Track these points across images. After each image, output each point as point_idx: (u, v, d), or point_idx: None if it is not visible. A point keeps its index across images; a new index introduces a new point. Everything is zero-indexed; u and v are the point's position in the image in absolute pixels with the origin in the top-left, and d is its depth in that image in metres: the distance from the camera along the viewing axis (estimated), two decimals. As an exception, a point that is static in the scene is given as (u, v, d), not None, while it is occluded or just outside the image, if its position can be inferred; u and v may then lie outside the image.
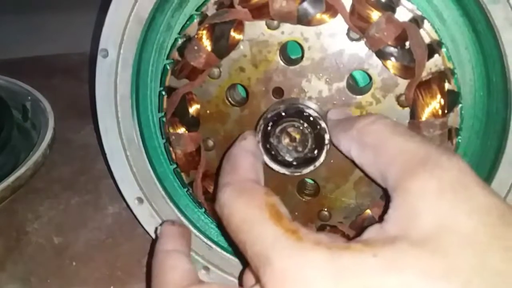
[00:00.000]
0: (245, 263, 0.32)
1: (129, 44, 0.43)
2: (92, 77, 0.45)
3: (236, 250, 0.35)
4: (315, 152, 0.38)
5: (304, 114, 0.37)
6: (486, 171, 0.40)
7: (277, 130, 0.38)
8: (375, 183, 0.32)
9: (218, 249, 0.49)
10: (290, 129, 0.38)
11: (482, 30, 0.38)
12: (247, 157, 0.36)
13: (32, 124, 0.74)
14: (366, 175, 0.33)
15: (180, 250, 0.39)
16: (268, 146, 0.38)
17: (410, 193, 0.28)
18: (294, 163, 0.38)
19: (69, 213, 0.60)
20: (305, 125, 0.37)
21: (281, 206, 0.31)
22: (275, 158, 0.39)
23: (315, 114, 0.37)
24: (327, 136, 0.37)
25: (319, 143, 0.37)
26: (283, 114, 0.37)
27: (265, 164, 0.40)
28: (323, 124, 0.37)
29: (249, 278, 0.35)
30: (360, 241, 0.28)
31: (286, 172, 0.39)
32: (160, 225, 0.43)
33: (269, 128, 0.38)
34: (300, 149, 0.38)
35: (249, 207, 0.31)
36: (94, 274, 0.52)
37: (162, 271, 0.36)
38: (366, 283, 0.25)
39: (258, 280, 0.29)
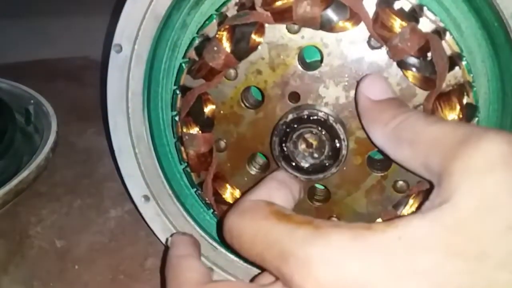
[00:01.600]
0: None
1: (144, 40, 0.43)
2: (104, 73, 0.44)
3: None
4: (331, 159, 0.38)
5: (324, 121, 0.37)
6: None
7: (295, 135, 0.37)
8: (420, 177, 0.31)
9: (223, 250, 0.48)
10: (307, 135, 0.37)
11: (501, 44, 0.38)
12: (265, 182, 0.36)
13: (35, 127, 0.74)
14: (406, 169, 0.32)
15: (193, 255, 0.40)
16: (284, 150, 0.38)
17: (454, 175, 0.26)
18: (309, 169, 0.38)
19: (72, 217, 0.60)
20: (323, 132, 0.37)
21: (286, 210, 0.31)
22: (290, 162, 0.38)
23: (336, 124, 0.36)
24: (344, 145, 0.37)
25: (336, 151, 0.37)
26: (303, 119, 0.37)
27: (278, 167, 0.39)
28: (342, 134, 0.37)
29: (263, 279, 0.35)
30: (380, 222, 0.27)
31: (299, 177, 0.39)
32: (171, 236, 0.44)
33: (286, 131, 0.37)
34: (316, 155, 0.38)
35: (255, 222, 0.31)
36: (96, 277, 0.52)
37: (178, 272, 0.37)
38: (392, 263, 0.25)
39: (279, 278, 0.29)
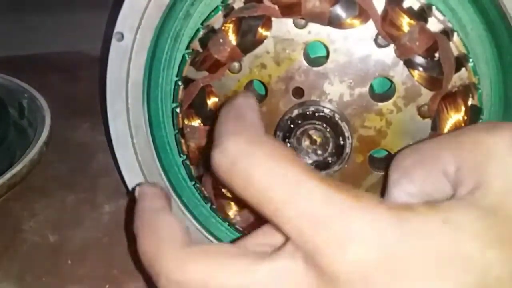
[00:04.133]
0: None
1: (146, 29, 0.42)
2: (103, 62, 0.43)
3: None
4: (335, 157, 0.37)
5: (329, 118, 0.36)
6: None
7: (299, 131, 0.37)
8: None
9: (219, 245, 0.48)
10: (311, 132, 0.37)
11: (506, 46, 0.38)
12: (254, 111, 0.29)
13: (29, 122, 0.73)
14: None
15: (168, 210, 0.32)
16: (287, 144, 0.38)
17: (477, 162, 0.26)
18: (312, 165, 0.38)
19: (65, 212, 0.59)
20: (328, 129, 0.37)
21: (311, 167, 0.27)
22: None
23: (341, 122, 0.36)
24: (348, 143, 0.37)
25: (340, 149, 0.37)
26: (308, 115, 0.37)
27: None
28: (347, 132, 0.36)
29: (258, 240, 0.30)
30: (421, 204, 0.25)
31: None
32: (137, 185, 0.34)
33: (291, 127, 0.37)
34: (320, 152, 0.37)
35: (278, 162, 0.25)
36: (90, 272, 0.51)
37: (154, 228, 0.29)
38: (436, 248, 0.23)
39: (294, 239, 0.25)
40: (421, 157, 0.30)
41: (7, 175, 0.57)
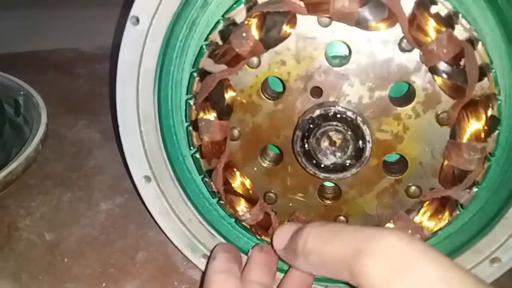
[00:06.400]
0: None
1: (163, 15, 0.41)
2: (116, 47, 0.42)
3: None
4: (353, 160, 0.37)
5: (351, 120, 0.36)
6: (503, 198, 0.41)
7: (319, 132, 0.37)
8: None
9: (221, 238, 0.47)
10: (332, 133, 0.37)
11: (525, 59, 0.38)
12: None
13: (24, 119, 0.73)
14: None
15: (232, 272, 0.40)
16: (305, 145, 0.37)
17: (365, 275, 0.29)
18: (329, 167, 0.38)
19: (61, 210, 0.59)
20: (349, 132, 0.36)
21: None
22: (310, 159, 0.38)
23: (363, 125, 0.36)
24: (368, 147, 0.36)
25: (359, 152, 0.37)
26: (329, 116, 0.36)
27: (295, 159, 0.39)
28: (368, 136, 0.36)
29: None
30: None
31: (318, 174, 0.38)
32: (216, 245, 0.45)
33: (310, 127, 0.37)
34: (339, 154, 0.37)
35: None
36: (86, 270, 0.50)
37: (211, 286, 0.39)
38: None
39: None
40: (321, 259, 0.34)
41: (3, 173, 0.57)
